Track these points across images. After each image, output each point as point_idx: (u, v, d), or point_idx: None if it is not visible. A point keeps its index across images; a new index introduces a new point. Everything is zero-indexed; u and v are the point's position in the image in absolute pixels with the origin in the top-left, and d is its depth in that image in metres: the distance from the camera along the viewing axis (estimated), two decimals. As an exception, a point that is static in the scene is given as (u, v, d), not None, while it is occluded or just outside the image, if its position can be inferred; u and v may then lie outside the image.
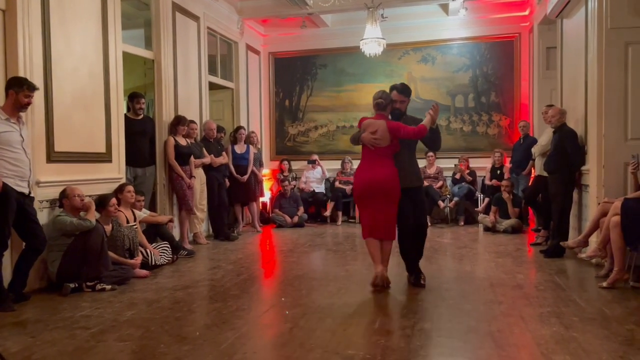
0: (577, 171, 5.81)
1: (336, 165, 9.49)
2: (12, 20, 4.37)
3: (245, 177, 7.97)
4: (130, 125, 5.95)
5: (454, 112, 9.32)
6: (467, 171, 8.79)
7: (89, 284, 4.38)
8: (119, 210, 5.05)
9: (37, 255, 4.19)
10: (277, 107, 10.20)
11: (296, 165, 9.60)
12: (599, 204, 5.02)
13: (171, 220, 6.12)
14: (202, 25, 7.59)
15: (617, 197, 4.72)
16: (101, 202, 4.82)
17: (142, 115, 6.21)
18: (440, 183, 8.82)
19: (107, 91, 5.46)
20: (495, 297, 4.09)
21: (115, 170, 5.58)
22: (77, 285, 4.34)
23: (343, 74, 9.80)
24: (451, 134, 9.24)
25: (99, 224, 4.58)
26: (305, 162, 9.54)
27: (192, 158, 6.63)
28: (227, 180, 7.56)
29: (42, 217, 4.47)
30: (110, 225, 4.89)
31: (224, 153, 7.52)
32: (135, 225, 5.29)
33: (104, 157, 5.44)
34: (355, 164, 9.25)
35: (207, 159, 7.00)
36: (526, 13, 8.83)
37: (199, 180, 6.81)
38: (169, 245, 5.67)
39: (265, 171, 9.42)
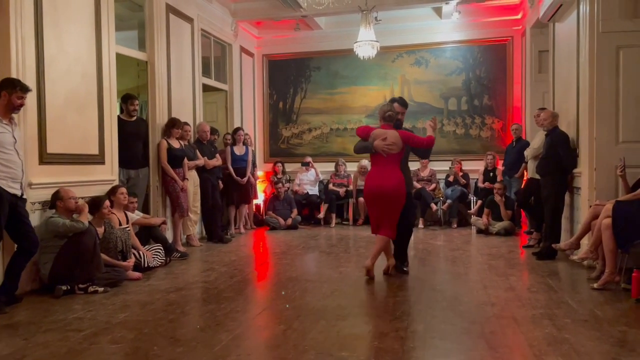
0: (569, 174, 5.85)
1: (330, 167, 9.50)
2: (5, 21, 4.34)
3: (245, 178, 7.99)
4: (124, 127, 5.92)
5: (447, 114, 9.36)
6: (461, 174, 8.83)
7: (81, 286, 4.36)
8: (111, 212, 5.03)
9: (30, 257, 4.16)
10: (271, 109, 10.20)
11: (290, 167, 9.62)
12: (590, 206, 5.06)
13: (164, 222, 6.10)
14: (196, 27, 7.59)
15: (609, 199, 4.76)
16: (94, 204, 4.79)
17: (135, 117, 6.19)
18: (433, 185, 8.85)
19: (100, 93, 5.44)
20: (488, 299, 4.11)
21: (108, 172, 5.56)
22: (69, 287, 4.32)
23: (337, 76, 9.82)
24: (444, 136, 9.28)
25: (92, 226, 4.56)
26: (299, 165, 9.55)
27: (185, 160, 6.62)
28: (220, 182, 7.55)
29: (34, 218, 4.44)
30: (103, 227, 4.87)
31: (217, 155, 7.51)
32: (128, 227, 5.27)
33: (97, 159, 5.42)
34: (349, 166, 9.38)
35: (201, 161, 6.99)
36: (519, 17, 8.89)
37: (192, 183, 6.79)
38: (161, 248, 5.65)
39: (259, 173, 9.41)
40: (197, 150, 7.02)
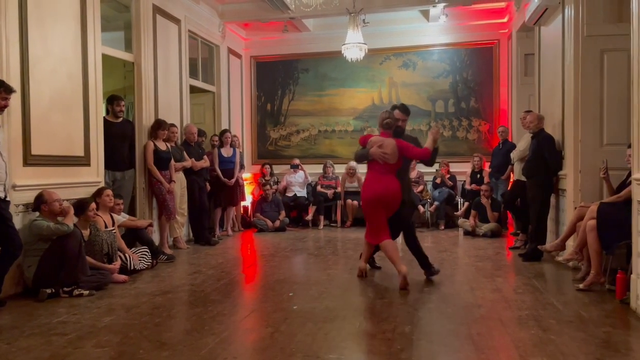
0: (554, 176, 5.91)
1: (318, 169, 9.50)
2: (-12, 21, 4.29)
3: (233, 180, 7.96)
4: (110, 128, 5.87)
5: (434, 117, 9.41)
6: (448, 176, 8.88)
7: (66, 289, 4.31)
8: (97, 215, 4.98)
9: (13, 260, 4.11)
10: (259, 111, 10.18)
11: (278, 169, 9.60)
12: (575, 208, 5.11)
13: (151, 225, 6.05)
14: (183, 28, 7.54)
15: (593, 201, 4.81)
16: (79, 206, 4.74)
17: (121, 118, 6.14)
18: (420, 187, 8.89)
19: (86, 94, 5.38)
20: (475, 300, 4.13)
21: (94, 174, 5.51)
22: (53, 290, 4.26)
23: (325, 78, 9.83)
24: (432, 138, 9.30)
25: (77, 229, 4.51)
26: (288, 167, 9.53)
27: (172, 162, 6.57)
28: (208, 184, 7.51)
29: (18, 221, 4.38)
30: (89, 229, 4.82)
31: (205, 157, 7.47)
32: (113, 229, 5.22)
33: (82, 161, 5.36)
34: (337, 168, 9.39)
35: (188, 162, 6.95)
36: (505, 20, 8.97)
37: (179, 184, 6.75)
38: (148, 250, 5.60)
39: (247, 175, 9.38)
40: (185, 152, 6.98)
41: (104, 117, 5.85)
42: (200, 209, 7.20)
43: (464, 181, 8.72)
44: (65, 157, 5.12)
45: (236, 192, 8.15)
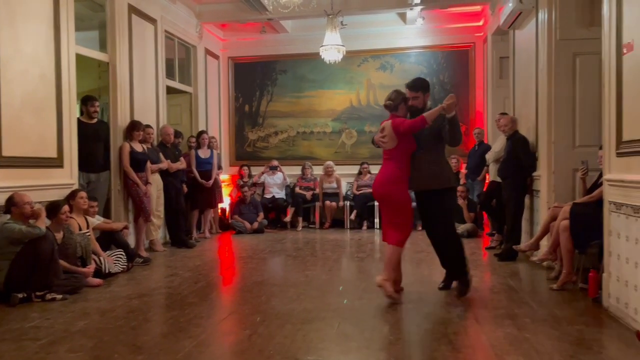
0: (529, 177, 6.01)
1: (296, 170, 9.49)
2: (-43, 18, 4.18)
3: (211, 181, 7.90)
4: (84, 129, 5.77)
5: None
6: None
7: (38, 293, 4.21)
8: (70, 217, 4.88)
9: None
10: (237, 112, 10.12)
11: (256, 170, 9.55)
12: (549, 208, 5.20)
13: (126, 227, 5.96)
14: (160, 29, 7.46)
15: (566, 201, 4.90)
16: (52, 208, 4.64)
17: (96, 119, 6.04)
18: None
19: (59, 94, 5.28)
20: (452, 300, 4.17)
21: (67, 176, 5.40)
22: (25, 295, 4.16)
23: (303, 79, 9.83)
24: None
25: (50, 232, 4.42)
26: (266, 168, 9.48)
27: (148, 164, 6.49)
28: (185, 186, 7.44)
29: (-12, 224, 4.28)
30: (62, 232, 4.72)
31: (181, 158, 7.40)
32: (88, 232, 5.13)
33: (55, 162, 5.25)
34: (316, 169, 9.39)
35: (164, 164, 6.87)
36: (480, 24, 9.10)
37: (155, 186, 6.67)
38: (123, 253, 5.51)
39: (225, 177, 9.32)
40: (161, 154, 6.90)
41: (78, 118, 5.75)
42: (177, 211, 7.13)
43: (441, 182, 8.77)
44: (38, 159, 5.02)
45: (214, 194, 8.09)
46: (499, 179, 6.28)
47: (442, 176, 4.18)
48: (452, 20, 9.21)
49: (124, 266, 5.41)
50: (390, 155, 4.19)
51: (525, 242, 5.66)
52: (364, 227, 8.87)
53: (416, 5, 7.93)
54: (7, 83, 4.62)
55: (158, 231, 6.85)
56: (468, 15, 9.10)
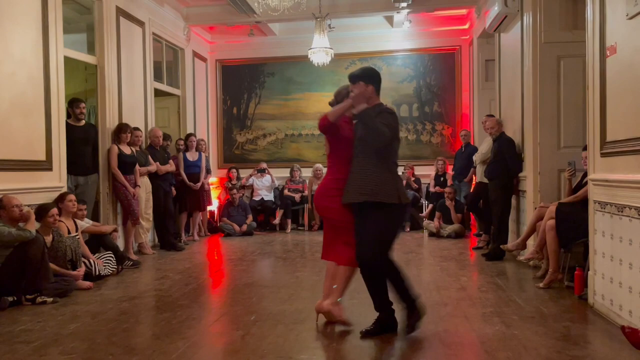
0: (515, 177, 6.10)
1: (285, 173, 9.51)
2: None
3: (199, 184, 7.90)
4: (72, 132, 5.74)
5: (399, 121, 9.53)
6: (413, 179, 9.03)
7: (28, 297, 4.19)
8: (59, 220, 4.86)
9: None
10: (225, 115, 10.12)
11: (244, 173, 9.56)
12: (535, 208, 5.29)
13: (115, 230, 5.94)
14: (148, 31, 7.45)
15: (552, 201, 4.99)
16: (41, 211, 4.62)
17: (84, 122, 6.01)
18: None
19: (47, 97, 5.25)
20: (441, 299, 4.23)
21: (56, 179, 5.37)
22: (15, 298, 4.14)
23: (291, 82, 9.86)
24: (397, 142, 9.45)
25: (39, 235, 4.39)
26: (254, 170, 9.49)
27: (137, 166, 6.47)
28: (173, 188, 7.42)
29: (-23, 228, 4.24)
30: (51, 235, 4.70)
31: (170, 161, 7.38)
32: (77, 235, 5.11)
33: (44, 165, 5.22)
34: (304, 172, 9.42)
35: (153, 167, 6.85)
36: (466, 27, 9.21)
37: (144, 189, 6.65)
38: (112, 256, 5.49)
39: (213, 179, 9.31)
40: (149, 156, 6.88)
41: (66, 121, 5.72)
42: (165, 214, 7.11)
43: (428, 184, 8.88)
44: (26, 162, 4.98)
45: (202, 197, 8.08)
46: (485, 180, 6.37)
47: (382, 188, 3.25)
48: (438, 23, 9.31)
49: (114, 269, 5.40)
50: (329, 163, 3.56)
51: (512, 242, 5.74)
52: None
53: (403, 8, 8.01)
54: (-5, 86, 4.59)
55: (147, 234, 6.83)
56: (454, 18, 9.22)
